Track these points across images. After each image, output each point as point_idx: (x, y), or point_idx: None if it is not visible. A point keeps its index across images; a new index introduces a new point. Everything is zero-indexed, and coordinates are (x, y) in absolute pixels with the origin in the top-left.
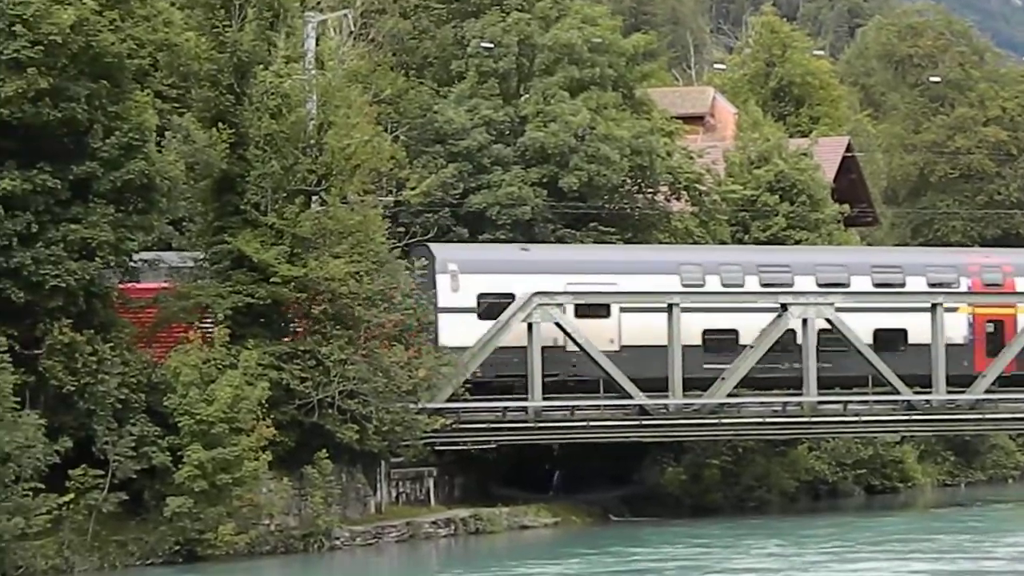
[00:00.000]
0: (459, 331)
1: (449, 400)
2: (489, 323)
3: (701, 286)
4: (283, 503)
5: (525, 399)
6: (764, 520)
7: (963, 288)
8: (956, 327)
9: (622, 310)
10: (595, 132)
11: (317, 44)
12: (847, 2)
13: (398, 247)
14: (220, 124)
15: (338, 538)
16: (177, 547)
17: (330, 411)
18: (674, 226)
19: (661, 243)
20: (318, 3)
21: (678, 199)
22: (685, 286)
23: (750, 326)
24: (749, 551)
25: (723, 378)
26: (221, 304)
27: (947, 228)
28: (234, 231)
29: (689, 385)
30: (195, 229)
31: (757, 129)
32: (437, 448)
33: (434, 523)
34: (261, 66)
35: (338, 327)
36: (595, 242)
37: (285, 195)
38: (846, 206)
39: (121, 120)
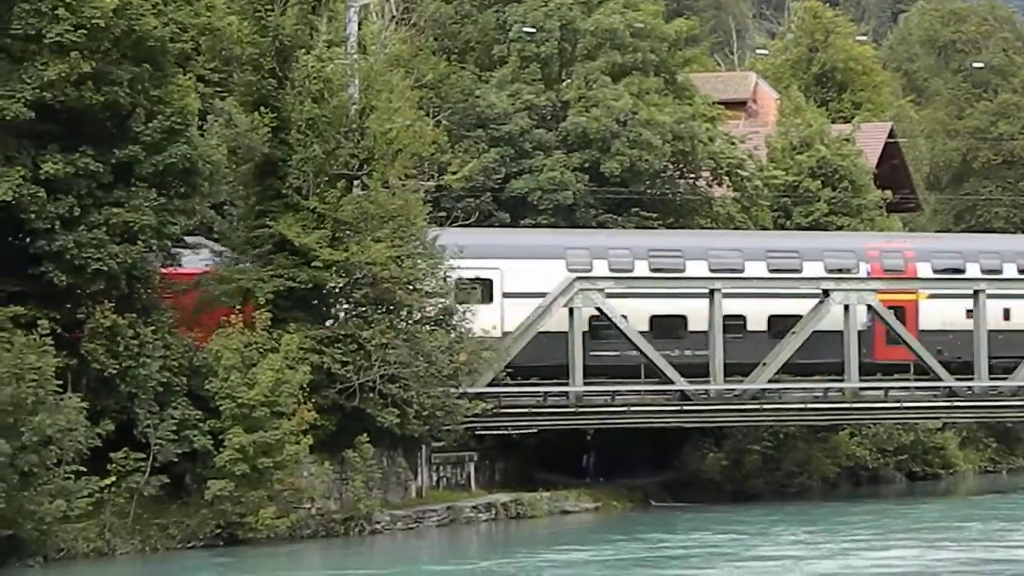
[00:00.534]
0: None
1: (490, 385)
2: None
3: (590, 271)
4: (324, 487)
5: (566, 384)
6: (803, 506)
7: (862, 274)
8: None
9: (505, 295)
10: (637, 117)
11: (359, 28)
12: None
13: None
14: (262, 108)
15: (379, 522)
16: (218, 530)
17: (371, 395)
18: (716, 212)
19: (702, 228)
20: None
21: (720, 184)
22: (571, 270)
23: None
24: (778, 538)
25: (764, 363)
26: (262, 288)
27: (989, 214)
28: (275, 215)
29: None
30: (237, 213)
31: (799, 115)
32: (478, 433)
33: (475, 507)
34: (303, 50)
35: (379, 311)
36: (636, 227)
37: (327, 179)
38: (888, 192)
39: (163, 104)
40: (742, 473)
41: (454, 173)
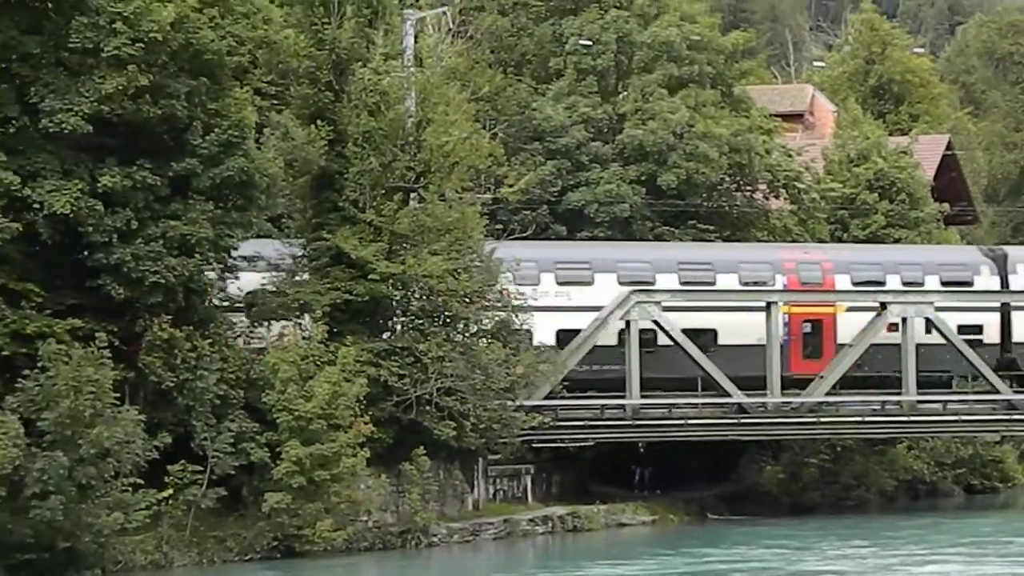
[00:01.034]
0: None
1: (547, 398)
2: None
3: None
4: (381, 499)
5: (623, 396)
6: (859, 520)
7: (779, 286)
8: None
9: None
10: (693, 130)
11: (416, 41)
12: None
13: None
14: (318, 121)
15: (435, 535)
16: (275, 543)
17: (427, 408)
18: (772, 224)
19: (759, 240)
20: (416, 0)
21: (776, 197)
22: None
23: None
24: (824, 552)
25: (821, 376)
26: (319, 301)
27: None
28: (332, 228)
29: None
30: (294, 226)
31: (856, 127)
32: (534, 445)
33: (531, 520)
34: (359, 63)
35: (436, 324)
36: (693, 239)
37: (383, 192)
38: (946, 205)
39: (220, 117)
40: (799, 486)
41: (510, 186)
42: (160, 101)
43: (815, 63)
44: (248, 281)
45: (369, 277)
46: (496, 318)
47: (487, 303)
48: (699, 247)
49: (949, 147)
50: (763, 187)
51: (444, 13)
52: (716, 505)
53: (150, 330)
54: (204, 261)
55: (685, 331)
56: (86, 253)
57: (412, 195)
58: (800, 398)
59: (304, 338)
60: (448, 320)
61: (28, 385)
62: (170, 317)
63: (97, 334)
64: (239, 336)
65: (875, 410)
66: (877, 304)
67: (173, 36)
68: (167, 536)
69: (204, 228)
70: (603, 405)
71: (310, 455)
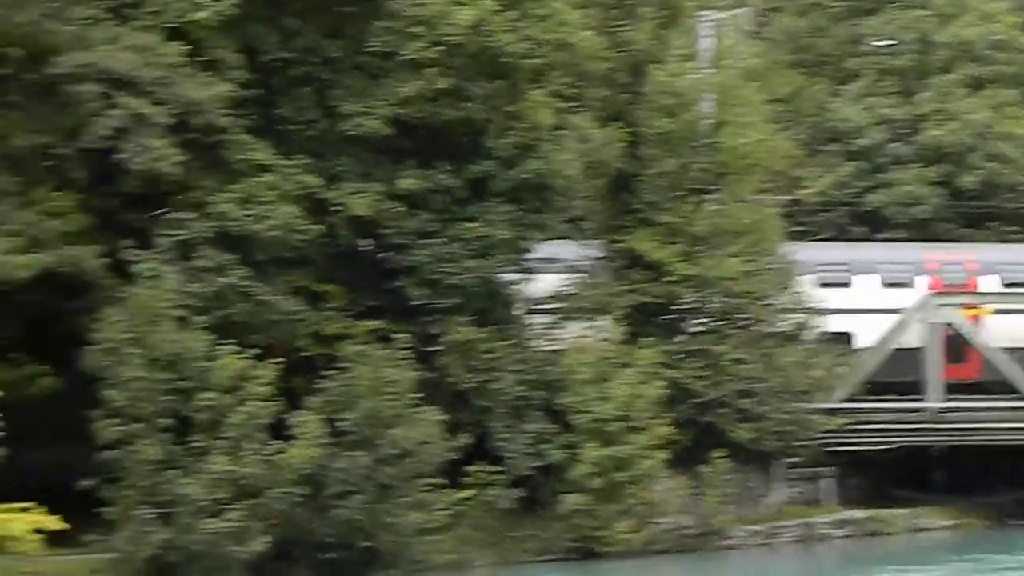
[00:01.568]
0: None
1: (845, 400)
2: None
3: None
4: (679, 502)
5: (923, 399)
6: None
7: (921, 287)
8: None
9: None
10: (994, 130)
11: (715, 42)
12: None
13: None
14: (615, 123)
15: (732, 537)
16: (573, 544)
17: (724, 410)
18: None
19: None
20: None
21: None
22: None
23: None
24: None
25: None
26: (616, 303)
27: None
28: (628, 230)
29: None
30: (590, 228)
31: None
32: (830, 449)
33: (829, 524)
34: (656, 65)
35: (732, 326)
36: (998, 241)
37: (680, 194)
38: None
39: (517, 119)
40: None
41: (809, 187)
42: (458, 104)
43: None
44: (546, 283)
45: (666, 279)
46: (794, 320)
47: (784, 305)
48: (838, 247)
49: None
50: None
51: (742, 14)
52: (1016, 510)
53: (448, 331)
54: (501, 263)
55: None
56: (385, 255)
57: (708, 197)
58: None
59: (602, 340)
60: (745, 322)
61: (330, 386)
62: (468, 318)
63: (396, 335)
64: (537, 338)
65: None
66: None
67: (472, 39)
68: (465, 536)
69: (501, 230)
70: (903, 408)
71: (608, 457)
